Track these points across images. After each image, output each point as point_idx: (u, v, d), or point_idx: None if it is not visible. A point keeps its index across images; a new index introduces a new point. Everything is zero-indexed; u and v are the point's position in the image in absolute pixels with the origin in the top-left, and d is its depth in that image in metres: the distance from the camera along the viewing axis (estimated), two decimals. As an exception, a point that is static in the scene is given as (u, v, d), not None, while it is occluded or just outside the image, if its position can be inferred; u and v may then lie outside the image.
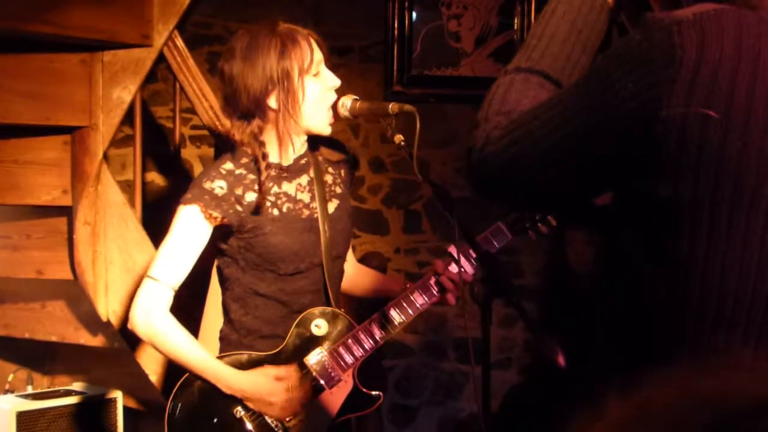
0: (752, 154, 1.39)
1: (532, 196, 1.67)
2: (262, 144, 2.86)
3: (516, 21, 5.59)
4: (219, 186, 2.83)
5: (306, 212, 2.93)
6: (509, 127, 1.59)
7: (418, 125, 2.64)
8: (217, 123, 4.09)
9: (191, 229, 2.85)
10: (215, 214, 2.82)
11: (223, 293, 3.03)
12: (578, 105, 1.52)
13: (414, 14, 5.50)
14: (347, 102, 2.87)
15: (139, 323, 2.86)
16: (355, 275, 3.22)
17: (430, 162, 5.61)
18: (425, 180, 2.74)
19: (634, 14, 1.74)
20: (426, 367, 5.76)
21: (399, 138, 2.76)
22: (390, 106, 2.75)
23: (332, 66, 2.94)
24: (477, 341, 2.46)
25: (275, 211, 2.88)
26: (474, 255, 2.96)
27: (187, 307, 3.62)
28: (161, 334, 2.86)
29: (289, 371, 2.91)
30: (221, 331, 3.04)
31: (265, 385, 2.87)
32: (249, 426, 2.89)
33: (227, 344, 3.00)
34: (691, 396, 0.78)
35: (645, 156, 1.43)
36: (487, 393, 2.46)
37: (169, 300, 2.87)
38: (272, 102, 2.80)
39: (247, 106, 2.81)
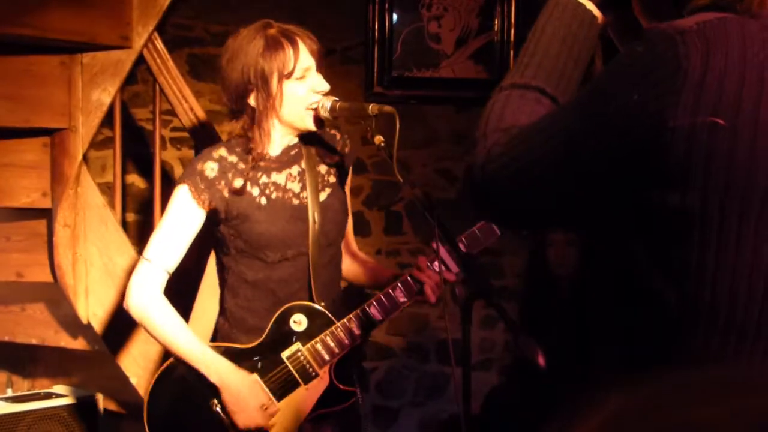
0: (761, 162, 1.38)
1: (536, 213, 1.65)
2: (249, 139, 2.94)
3: (496, 22, 5.60)
4: (210, 168, 2.91)
5: (295, 201, 2.97)
6: (509, 144, 1.58)
7: (398, 126, 2.65)
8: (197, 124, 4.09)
9: (182, 209, 2.92)
10: (203, 196, 2.89)
11: (220, 284, 3.09)
12: (581, 120, 1.51)
13: (394, 16, 5.50)
14: (327, 103, 2.90)
15: (132, 303, 2.92)
16: (351, 263, 3.25)
17: (411, 163, 5.61)
18: (405, 181, 2.74)
19: (620, 29, 1.74)
20: (407, 368, 5.77)
21: (379, 139, 2.79)
22: (370, 107, 2.78)
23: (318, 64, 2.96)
24: (458, 342, 2.47)
25: (263, 200, 2.94)
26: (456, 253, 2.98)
27: (180, 293, 3.63)
28: (152, 315, 2.91)
29: (272, 400, 2.94)
30: (217, 321, 3.09)
31: (247, 389, 2.90)
32: (225, 419, 2.92)
33: (219, 335, 3.05)
34: (675, 423, 0.78)
35: (652, 167, 1.42)
36: (467, 394, 2.47)
37: (162, 281, 2.94)
38: (252, 101, 2.88)
39: (231, 104, 2.93)
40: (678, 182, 1.41)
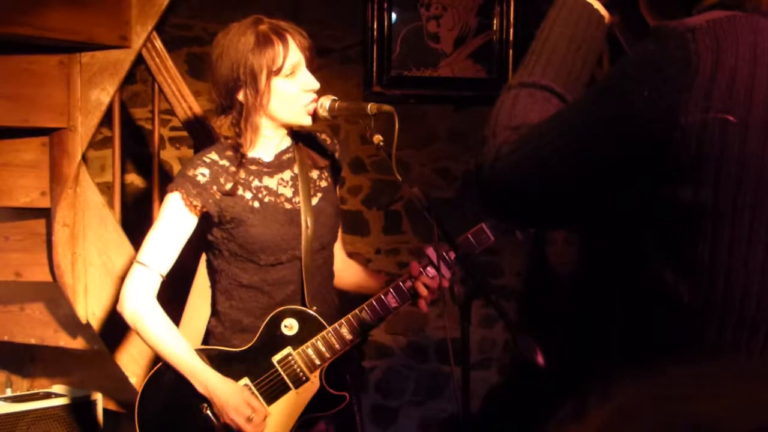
0: None
1: (544, 211, 1.65)
2: (238, 135, 2.94)
3: (495, 22, 5.59)
4: (201, 173, 2.91)
5: (288, 206, 2.98)
6: (519, 142, 1.58)
7: (397, 125, 2.65)
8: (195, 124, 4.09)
9: (175, 215, 2.92)
10: (195, 202, 2.89)
11: (212, 286, 3.09)
12: (592, 117, 1.51)
13: (393, 15, 5.50)
14: (326, 102, 2.90)
15: (126, 308, 2.92)
16: (340, 270, 3.24)
17: (410, 163, 5.61)
18: (404, 180, 2.74)
19: (627, 28, 1.74)
20: (407, 367, 5.76)
21: (378, 138, 2.79)
22: (369, 106, 2.78)
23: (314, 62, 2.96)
24: (457, 342, 2.47)
25: (256, 204, 2.94)
26: (451, 258, 2.97)
27: (172, 298, 3.63)
28: (145, 320, 2.91)
29: (261, 408, 2.93)
30: (209, 323, 3.09)
31: (234, 401, 2.89)
32: (214, 421, 2.93)
33: (212, 337, 3.05)
34: (681, 416, 0.78)
35: (664, 164, 1.42)
36: (466, 393, 2.46)
37: (156, 285, 2.94)
38: (241, 97, 2.89)
39: (220, 100, 2.93)
40: (690, 178, 1.41)
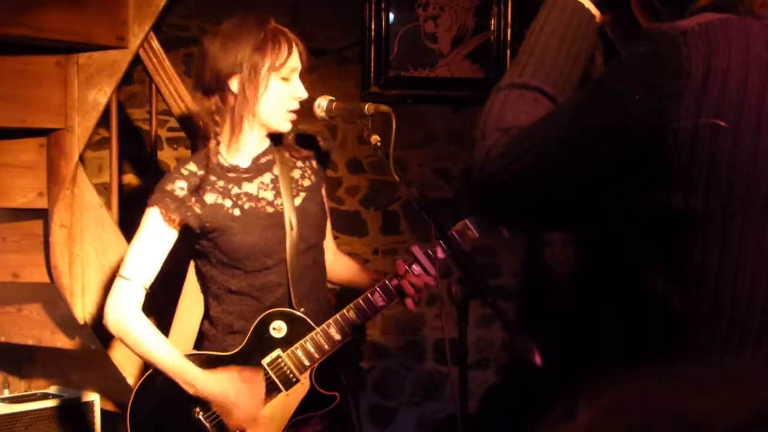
0: (764, 163, 1.38)
1: (536, 214, 1.64)
2: (216, 123, 2.94)
3: (492, 22, 5.59)
4: (180, 187, 2.92)
5: (270, 209, 2.98)
6: (509, 144, 1.57)
7: (394, 126, 2.65)
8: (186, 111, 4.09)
9: (155, 230, 2.94)
10: (173, 216, 2.90)
11: (203, 291, 3.10)
12: (582, 120, 1.50)
13: (391, 16, 5.50)
14: (323, 103, 2.91)
15: (111, 321, 2.94)
16: (332, 263, 3.25)
17: (408, 163, 5.61)
18: (402, 181, 2.74)
19: (619, 28, 1.73)
20: (404, 367, 5.76)
21: (375, 139, 2.79)
22: (366, 106, 2.78)
23: (309, 67, 2.97)
24: (455, 342, 2.47)
25: (236, 211, 2.94)
26: (439, 256, 2.98)
27: (160, 305, 3.62)
28: (131, 332, 2.93)
29: (254, 373, 2.95)
30: (202, 325, 3.10)
31: (232, 388, 2.91)
32: (207, 426, 2.95)
33: (206, 339, 3.06)
34: (669, 413, 0.78)
35: (655, 168, 1.41)
36: (464, 393, 2.47)
37: (140, 298, 2.95)
38: (233, 85, 2.87)
39: (209, 82, 2.90)
40: (681, 183, 1.40)
